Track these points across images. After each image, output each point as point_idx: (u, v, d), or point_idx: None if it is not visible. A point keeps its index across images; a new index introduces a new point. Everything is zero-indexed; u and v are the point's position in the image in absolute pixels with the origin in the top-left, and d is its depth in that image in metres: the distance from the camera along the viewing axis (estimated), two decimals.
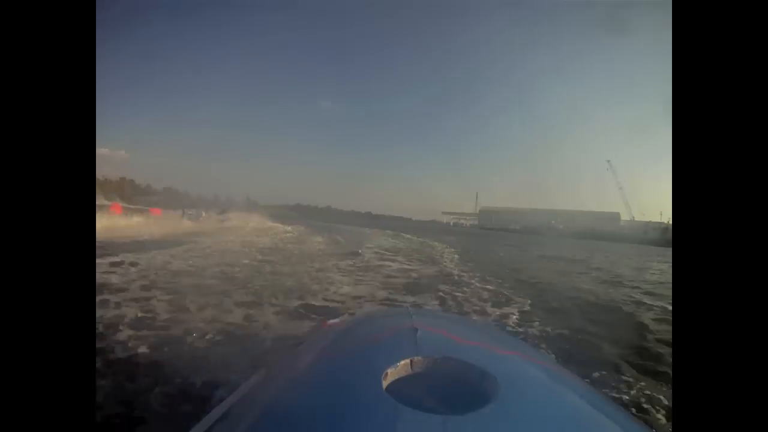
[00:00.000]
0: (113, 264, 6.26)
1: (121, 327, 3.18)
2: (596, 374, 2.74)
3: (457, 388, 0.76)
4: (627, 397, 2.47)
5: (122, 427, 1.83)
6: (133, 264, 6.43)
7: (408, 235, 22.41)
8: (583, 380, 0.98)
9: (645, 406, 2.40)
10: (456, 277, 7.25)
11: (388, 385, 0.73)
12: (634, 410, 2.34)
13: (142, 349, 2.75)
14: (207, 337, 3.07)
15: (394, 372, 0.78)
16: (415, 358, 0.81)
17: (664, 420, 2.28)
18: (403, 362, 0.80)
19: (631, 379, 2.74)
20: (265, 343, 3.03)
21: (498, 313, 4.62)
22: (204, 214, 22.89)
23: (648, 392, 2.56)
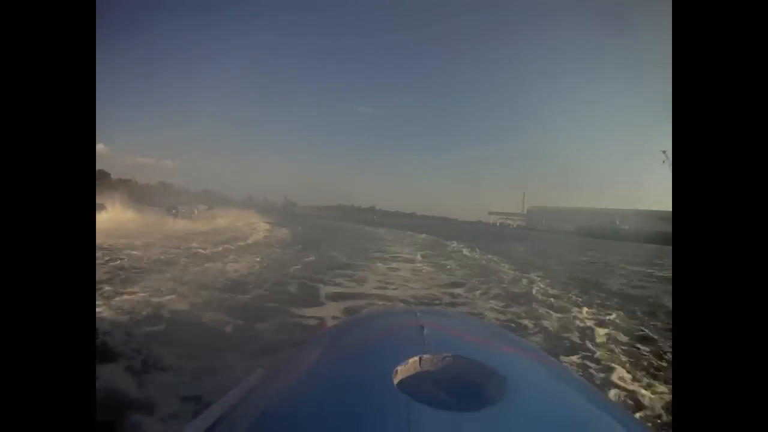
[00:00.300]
0: None
1: None
2: None
3: (467, 386, 0.77)
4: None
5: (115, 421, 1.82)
6: None
7: (453, 244, 13.87)
8: (587, 381, 0.99)
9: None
10: None
11: (399, 383, 0.73)
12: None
13: None
14: None
15: (404, 369, 0.78)
16: (424, 356, 0.82)
17: (666, 420, 2.27)
18: (412, 360, 0.80)
19: None
20: None
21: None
22: (197, 211, 22.94)
23: None
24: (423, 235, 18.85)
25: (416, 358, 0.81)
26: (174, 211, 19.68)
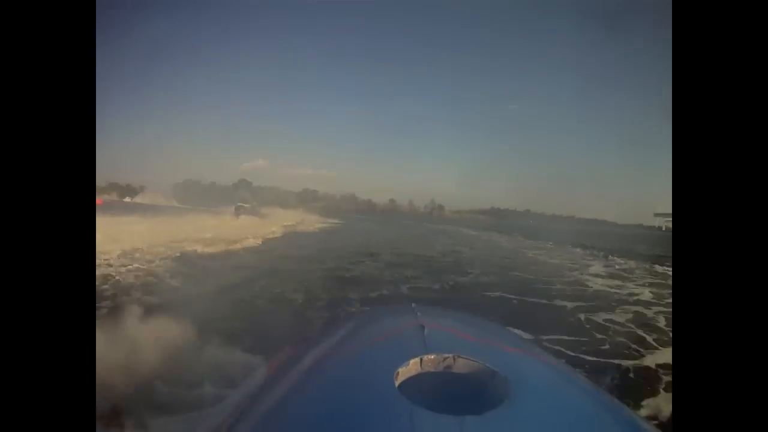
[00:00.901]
0: None
1: None
2: None
3: (468, 387, 0.77)
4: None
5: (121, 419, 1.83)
6: None
7: None
8: (590, 381, 0.99)
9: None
10: None
11: (400, 384, 0.73)
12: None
13: None
14: None
15: (405, 371, 0.78)
16: (425, 357, 0.82)
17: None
18: (413, 361, 0.80)
19: None
20: None
21: None
22: (248, 208, 24.29)
23: None
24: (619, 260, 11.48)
25: (417, 359, 0.81)
26: (239, 210, 22.02)
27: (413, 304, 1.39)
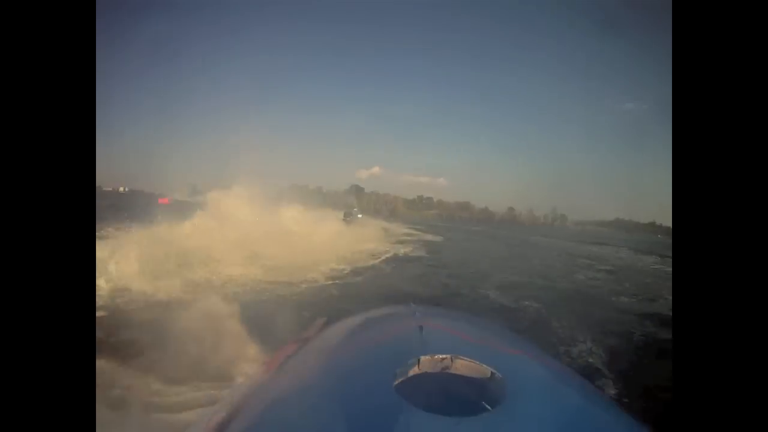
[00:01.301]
0: None
1: None
2: None
3: (466, 388, 0.77)
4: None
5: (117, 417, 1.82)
6: None
7: None
8: (587, 381, 0.99)
9: None
10: None
11: (398, 386, 0.73)
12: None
13: None
14: None
15: (403, 372, 0.78)
16: (423, 358, 0.82)
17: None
18: (411, 362, 0.80)
19: None
20: None
21: None
22: (360, 216, 24.72)
23: None
24: None
25: (415, 360, 0.81)
26: (349, 218, 22.67)
27: (412, 304, 1.39)
